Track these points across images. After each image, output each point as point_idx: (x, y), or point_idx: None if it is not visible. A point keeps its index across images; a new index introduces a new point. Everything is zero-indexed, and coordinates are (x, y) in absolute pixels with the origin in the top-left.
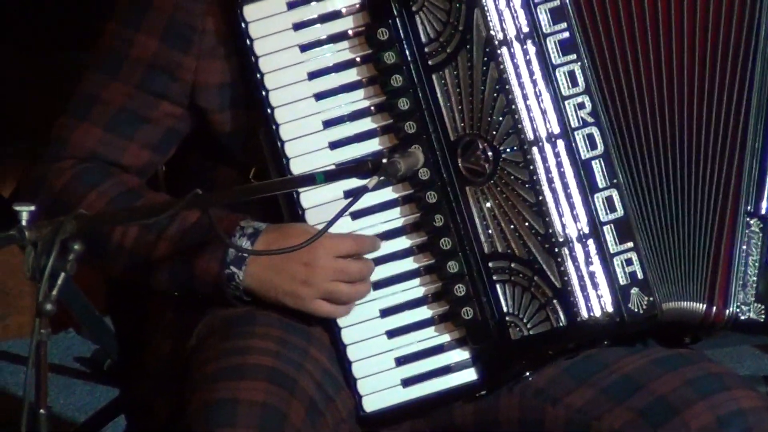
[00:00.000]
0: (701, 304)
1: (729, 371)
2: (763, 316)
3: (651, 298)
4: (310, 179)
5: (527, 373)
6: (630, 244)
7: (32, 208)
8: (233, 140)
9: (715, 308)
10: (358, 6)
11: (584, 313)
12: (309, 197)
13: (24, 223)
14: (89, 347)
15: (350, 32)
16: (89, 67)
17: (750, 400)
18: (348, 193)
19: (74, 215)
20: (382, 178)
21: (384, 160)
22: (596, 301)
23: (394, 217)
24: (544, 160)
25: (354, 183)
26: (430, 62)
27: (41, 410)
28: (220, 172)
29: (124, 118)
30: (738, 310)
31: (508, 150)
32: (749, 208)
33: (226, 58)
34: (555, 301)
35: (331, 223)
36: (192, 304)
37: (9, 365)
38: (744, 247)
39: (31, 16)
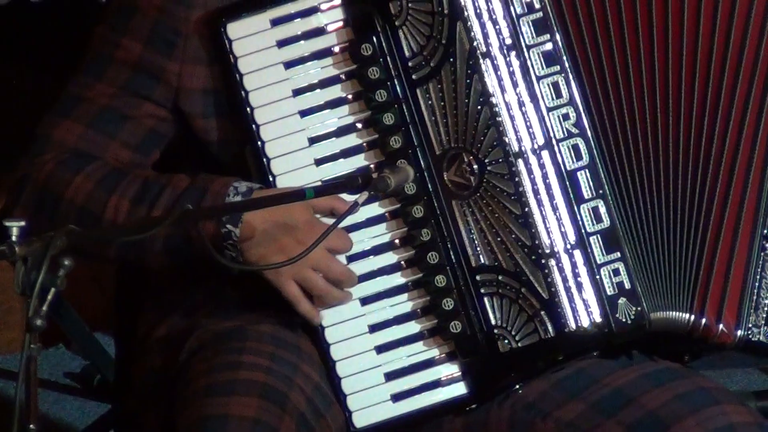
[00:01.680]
0: (690, 315)
1: (719, 386)
2: None
3: (639, 308)
4: (300, 194)
5: (517, 386)
6: (617, 255)
7: (22, 223)
8: (222, 150)
9: (704, 320)
10: (341, 22)
11: (572, 324)
12: None
13: (14, 238)
14: (79, 363)
15: (334, 48)
16: (76, 70)
17: (740, 415)
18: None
19: (65, 230)
20: (372, 193)
21: (374, 175)
22: (584, 311)
23: (382, 233)
24: (530, 171)
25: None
26: (414, 76)
27: (31, 425)
28: None
29: (106, 117)
30: (749, 332)
31: (493, 162)
32: (766, 231)
33: (210, 63)
34: (543, 312)
35: (321, 238)
36: (182, 319)
37: None
38: (759, 269)
39: (26, 35)
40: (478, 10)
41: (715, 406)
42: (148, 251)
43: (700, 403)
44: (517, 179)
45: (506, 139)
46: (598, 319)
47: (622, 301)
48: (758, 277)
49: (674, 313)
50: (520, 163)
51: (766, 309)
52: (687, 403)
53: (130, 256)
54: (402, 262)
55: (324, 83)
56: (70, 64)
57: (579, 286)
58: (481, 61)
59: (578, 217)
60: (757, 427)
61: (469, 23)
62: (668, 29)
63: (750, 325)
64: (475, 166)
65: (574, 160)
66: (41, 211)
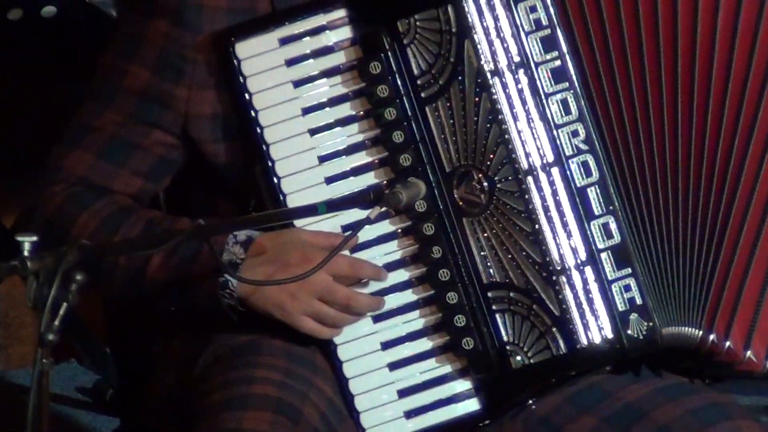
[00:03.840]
0: (699, 331)
1: (731, 401)
2: None
3: (651, 324)
4: (312, 210)
5: (530, 402)
6: (628, 270)
7: (34, 238)
8: (230, 172)
9: (723, 340)
10: (350, 40)
11: (584, 340)
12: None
13: (26, 253)
14: (91, 377)
15: (343, 67)
16: (85, 98)
17: (752, 430)
18: (345, 228)
19: (76, 245)
20: (384, 209)
21: (386, 191)
22: (595, 328)
23: (393, 250)
24: (539, 189)
25: (351, 217)
26: (423, 94)
27: None
28: (220, 206)
29: (115, 146)
30: None
31: (503, 180)
32: None
33: (217, 88)
34: (554, 329)
35: (332, 254)
36: (197, 334)
37: (11, 395)
38: None
39: (39, 49)
40: (486, 28)
41: (727, 421)
42: (149, 291)
43: (713, 419)
44: (527, 196)
45: (516, 157)
46: (610, 335)
47: (633, 316)
48: None
49: (685, 328)
50: (530, 180)
51: None
52: (699, 418)
53: (131, 292)
54: (413, 279)
55: (333, 101)
56: (82, 79)
57: (590, 302)
58: (489, 78)
59: (589, 233)
60: None
61: (477, 41)
62: (696, 47)
63: None
64: (485, 184)
65: (584, 176)
66: (47, 244)
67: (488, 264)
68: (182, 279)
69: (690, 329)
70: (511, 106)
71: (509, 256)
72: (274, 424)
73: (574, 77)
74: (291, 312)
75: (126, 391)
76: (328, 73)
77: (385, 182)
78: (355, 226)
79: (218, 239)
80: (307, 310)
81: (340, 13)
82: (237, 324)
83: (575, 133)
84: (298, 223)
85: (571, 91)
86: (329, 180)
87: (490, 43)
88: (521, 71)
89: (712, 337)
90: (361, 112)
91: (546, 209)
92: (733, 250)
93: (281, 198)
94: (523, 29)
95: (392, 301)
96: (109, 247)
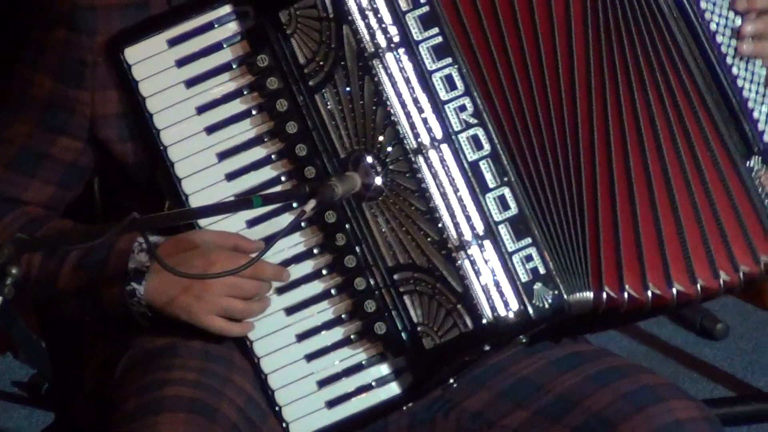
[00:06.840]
0: (590, 293)
1: (665, 382)
2: None
3: (556, 292)
4: (247, 203)
5: (451, 380)
6: (528, 240)
7: None
8: (141, 173)
9: (603, 294)
10: (237, 35)
11: (489, 314)
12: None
13: None
14: (27, 371)
15: (233, 62)
16: None
17: (686, 410)
18: (251, 223)
19: (12, 240)
20: (319, 201)
21: (327, 183)
22: (499, 301)
23: (299, 241)
24: (430, 166)
25: (255, 212)
26: (310, 83)
27: None
28: (149, 209)
29: (24, 156)
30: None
31: (394, 161)
32: None
33: (120, 87)
34: (459, 306)
35: (263, 251)
36: (117, 337)
37: None
38: None
39: None
40: (363, 11)
41: (660, 403)
42: (63, 304)
43: (646, 401)
44: (419, 175)
45: (404, 137)
46: (515, 307)
47: (537, 286)
48: None
49: (584, 293)
50: (420, 159)
51: None
52: (632, 402)
53: (45, 303)
54: (322, 269)
55: (227, 98)
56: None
57: (492, 275)
58: (370, 61)
59: (485, 206)
60: (704, 421)
61: (354, 25)
62: (570, 11)
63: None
64: (379, 167)
65: (475, 150)
66: None
67: (391, 246)
68: (92, 289)
69: (586, 293)
70: (395, 87)
71: (409, 236)
72: (188, 424)
73: (456, 52)
74: (198, 313)
75: (61, 386)
76: (219, 70)
77: (282, 176)
78: (295, 218)
79: (123, 248)
80: (214, 309)
81: (226, 9)
82: (155, 327)
83: (462, 108)
84: (206, 219)
85: (455, 66)
86: (230, 176)
87: (368, 26)
88: (401, 51)
89: (603, 295)
90: (255, 107)
91: (439, 186)
92: (596, 211)
93: (184, 198)
94: (401, 9)
95: (303, 292)
96: (44, 242)
